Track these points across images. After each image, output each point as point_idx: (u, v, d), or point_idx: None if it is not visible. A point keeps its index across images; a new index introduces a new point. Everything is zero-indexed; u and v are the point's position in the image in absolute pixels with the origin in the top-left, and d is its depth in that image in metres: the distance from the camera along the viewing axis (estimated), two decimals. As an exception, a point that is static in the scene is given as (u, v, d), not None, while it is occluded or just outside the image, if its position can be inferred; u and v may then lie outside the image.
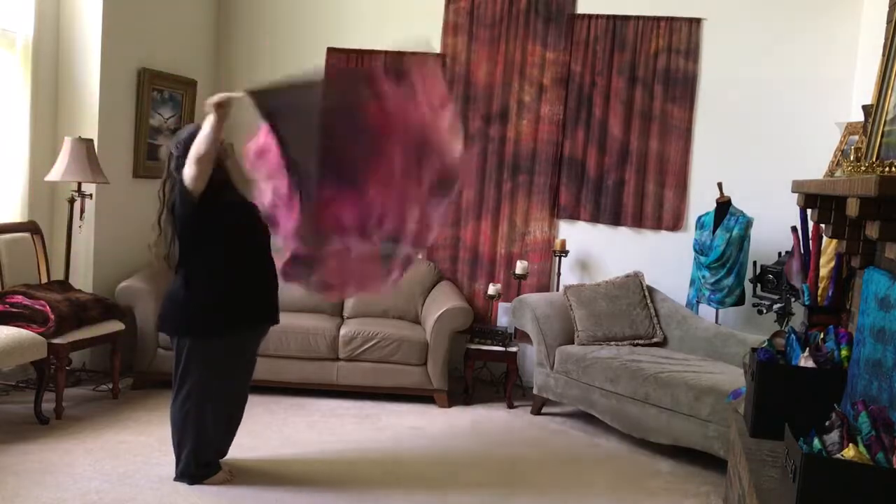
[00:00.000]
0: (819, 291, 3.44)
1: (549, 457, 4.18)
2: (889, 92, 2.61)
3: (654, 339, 4.87)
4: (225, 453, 3.60)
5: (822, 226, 3.02)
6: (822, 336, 3.02)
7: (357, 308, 5.30)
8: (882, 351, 2.37)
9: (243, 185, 3.38)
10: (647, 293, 5.02)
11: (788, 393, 2.75)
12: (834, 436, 2.08)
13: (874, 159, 2.53)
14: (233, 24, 5.84)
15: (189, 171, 3.20)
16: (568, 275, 5.45)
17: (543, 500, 3.61)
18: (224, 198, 3.33)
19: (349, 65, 5.62)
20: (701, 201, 5.21)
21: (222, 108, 3.17)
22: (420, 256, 3.62)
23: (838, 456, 1.99)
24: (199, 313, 3.33)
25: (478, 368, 5.35)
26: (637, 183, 5.37)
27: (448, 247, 5.62)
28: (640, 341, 4.84)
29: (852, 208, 2.24)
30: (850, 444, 2.01)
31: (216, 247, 3.32)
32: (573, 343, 4.84)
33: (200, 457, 3.43)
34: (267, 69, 5.75)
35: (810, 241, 3.58)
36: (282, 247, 3.15)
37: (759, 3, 5.23)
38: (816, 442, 2.05)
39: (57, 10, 4.75)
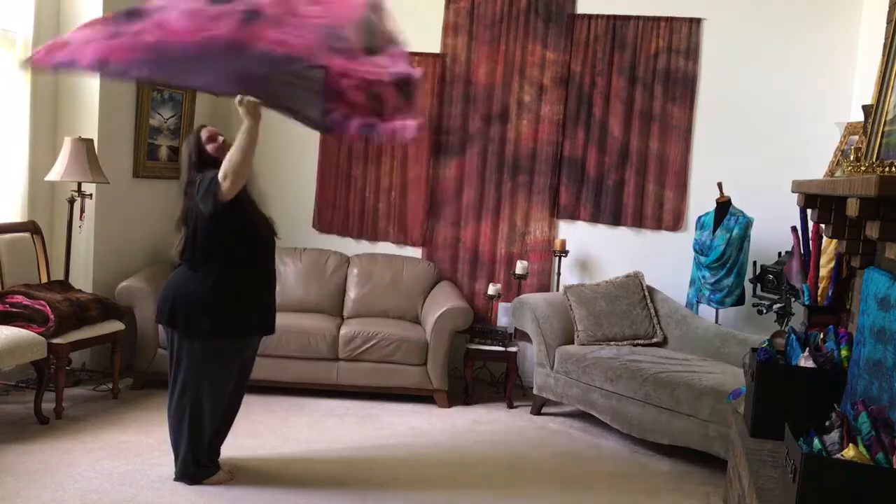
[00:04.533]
0: (819, 291, 3.45)
1: (549, 457, 4.18)
2: (889, 92, 2.61)
3: (654, 339, 4.87)
4: (218, 454, 3.59)
5: (822, 226, 3.02)
6: (822, 336, 3.01)
7: (357, 308, 5.31)
8: (882, 351, 2.37)
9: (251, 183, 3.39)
10: (646, 293, 5.02)
11: (788, 393, 2.75)
12: (834, 436, 2.08)
13: (874, 159, 2.54)
14: (233, 24, 5.83)
15: (228, 182, 3.11)
16: (568, 275, 5.45)
17: (543, 500, 3.60)
18: (245, 202, 3.32)
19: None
20: (701, 201, 5.21)
21: (258, 111, 3.06)
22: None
23: (838, 456, 1.99)
24: (219, 313, 3.29)
25: (478, 368, 5.35)
26: (637, 183, 5.37)
27: (448, 247, 5.62)
28: (640, 341, 4.84)
29: (852, 208, 2.23)
30: (850, 444, 2.01)
31: (235, 248, 3.31)
32: (573, 343, 4.84)
33: (198, 456, 3.42)
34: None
35: (810, 241, 3.58)
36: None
37: (759, 4, 5.23)
38: (816, 442, 2.05)
39: (57, 10, 4.75)
